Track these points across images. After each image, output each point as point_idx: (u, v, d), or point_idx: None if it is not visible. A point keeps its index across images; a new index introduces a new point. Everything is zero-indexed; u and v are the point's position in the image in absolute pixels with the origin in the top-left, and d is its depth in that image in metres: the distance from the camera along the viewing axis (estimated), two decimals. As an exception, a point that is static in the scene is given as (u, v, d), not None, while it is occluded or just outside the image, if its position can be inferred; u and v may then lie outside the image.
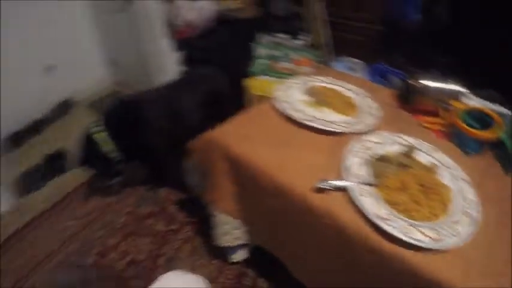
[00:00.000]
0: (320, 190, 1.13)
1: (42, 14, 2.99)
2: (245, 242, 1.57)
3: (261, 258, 1.65)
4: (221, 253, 1.75)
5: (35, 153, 2.91)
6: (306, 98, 1.55)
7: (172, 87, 2.11)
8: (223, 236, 1.52)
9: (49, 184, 2.59)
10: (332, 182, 1.14)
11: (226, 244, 1.54)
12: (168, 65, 2.83)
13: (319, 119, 1.41)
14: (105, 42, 3.54)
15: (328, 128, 1.36)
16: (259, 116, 1.49)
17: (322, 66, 2.50)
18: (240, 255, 1.69)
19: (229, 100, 2.06)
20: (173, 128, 1.95)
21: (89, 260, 1.92)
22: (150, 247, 1.93)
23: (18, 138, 3.18)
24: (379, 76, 2.38)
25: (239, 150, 1.32)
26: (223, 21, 2.52)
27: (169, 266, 1.82)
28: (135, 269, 1.83)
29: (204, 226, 1.93)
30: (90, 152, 1.93)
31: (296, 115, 1.43)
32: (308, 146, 1.31)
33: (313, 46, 2.56)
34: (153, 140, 1.93)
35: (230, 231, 1.49)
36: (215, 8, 2.49)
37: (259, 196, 1.30)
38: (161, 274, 1.71)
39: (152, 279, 1.78)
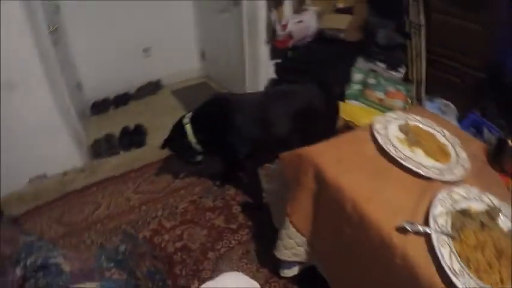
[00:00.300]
0: (402, 230, 1.08)
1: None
2: (302, 261, 1.53)
3: (309, 279, 1.57)
4: (271, 264, 1.68)
5: (117, 122, 3.09)
6: (400, 134, 1.49)
7: (268, 95, 2.15)
8: (284, 249, 1.47)
9: (123, 154, 2.73)
10: (418, 226, 1.08)
11: (284, 258, 1.50)
12: (261, 70, 2.87)
13: (412, 159, 1.35)
14: (201, 37, 3.71)
15: (420, 171, 1.29)
16: (355, 143, 1.45)
17: (415, 103, 2.39)
18: (291, 272, 1.63)
19: (321, 119, 2.02)
20: (258, 133, 1.96)
21: (142, 234, 1.95)
22: (205, 239, 1.91)
23: (105, 106, 3.43)
24: (471, 125, 2.24)
25: (330, 172, 1.29)
26: (323, 39, 2.50)
27: (217, 262, 1.79)
28: (184, 256, 1.81)
29: (262, 233, 1.89)
30: (176, 138, 2.05)
31: (392, 151, 1.38)
32: (398, 184, 1.25)
33: (408, 80, 2.47)
34: (236, 141, 1.96)
35: (294, 246, 1.45)
36: (318, 24, 2.49)
37: (338, 222, 1.25)
38: (209, 268, 1.75)
39: (199, 270, 1.76)
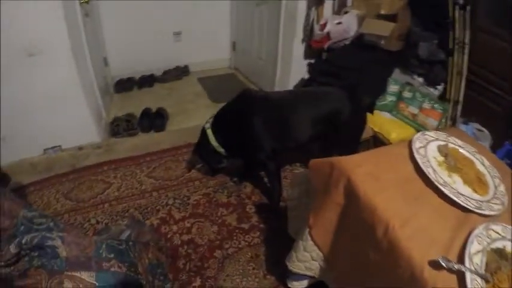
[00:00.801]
0: (436, 265, 0.97)
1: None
2: (315, 276, 1.43)
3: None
4: (279, 272, 1.59)
5: (139, 103, 3.04)
6: (438, 156, 1.37)
7: (295, 95, 2.05)
8: (297, 261, 1.37)
9: (141, 135, 2.67)
10: (453, 264, 0.98)
11: (296, 270, 1.40)
12: (293, 68, 2.76)
13: (450, 186, 1.23)
14: (235, 27, 3.62)
15: (459, 201, 1.17)
16: (392, 159, 1.33)
17: (448, 124, 2.25)
18: (300, 285, 1.53)
19: (346, 128, 1.90)
20: (279, 134, 1.87)
21: (150, 221, 1.88)
22: (213, 236, 1.81)
23: (129, 85, 3.38)
24: (506, 156, 2.09)
25: (364, 188, 1.17)
26: (362, 44, 2.37)
27: (224, 262, 1.69)
28: (190, 251, 1.72)
29: (274, 238, 1.79)
30: (202, 144, 2.01)
31: (431, 174, 1.25)
32: (434, 211, 1.14)
33: (444, 99, 2.32)
34: (255, 141, 1.86)
35: (308, 260, 1.34)
36: (358, 28, 2.36)
37: (364, 244, 1.14)
38: (213, 267, 1.63)
39: (203, 268, 1.63)
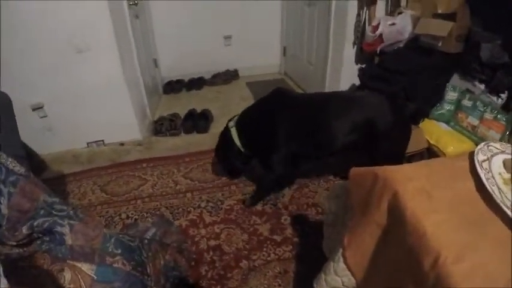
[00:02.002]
0: None
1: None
2: (342, 301, 1.24)
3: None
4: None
5: (186, 104, 3.05)
6: (504, 172, 1.12)
7: (327, 98, 1.87)
8: (326, 285, 1.21)
9: (183, 136, 2.66)
10: None
11: (324, 294, 1.24)
12: (343, 73, 2.60)
13: None
14: (285, 32, 3.54)
15: None
16: (449, 173, 1.10)
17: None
18: (327, 312, 1.37)
19: (386, 137, 1.71)
20: (302, 138, 1.74)
21: (179, 222, 1.82)
22: (242, 245, 1.70)
23: (178, 86, 3.43)
24: None
25: (414, 208, 0.96)
26: (417, 47, 2.15)
27: (248, 274, 1.57)
28: (215, 257, 1.62)
29: (307, 254, 1.63)
30: (223, 143, 1.95)
31: (496, 193, 1.02)
32: (496, 240, 0.89)
33: (508, 109, 2.02)
34: (273, 140, 1.75)
35: (338, 286, 1.18)
36: (413, 29, 2.15)
37: (406, 276, 0.93)
38: (237, 278, 1.51)
39: (226, 277, 1.53)
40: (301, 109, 1.76)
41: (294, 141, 1.73)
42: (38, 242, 0.97)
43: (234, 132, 1.85)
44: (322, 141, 1.75)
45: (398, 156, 1.80)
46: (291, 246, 1.71)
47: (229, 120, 1.91)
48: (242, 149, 1.86)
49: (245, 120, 1.86)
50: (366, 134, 1.68)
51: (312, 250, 1.61)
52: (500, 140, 1.91)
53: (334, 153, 1.81)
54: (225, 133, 1.91)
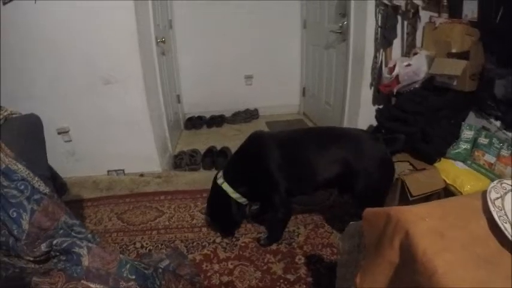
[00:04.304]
0: None
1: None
2: None
3: None
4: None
5: (206, 141, 3.13)
6: None
7: (308, 134, 1.95)
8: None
9: (202, 172, 2.70)
10: None
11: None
12: (361, 114, 2.63)
13: None
14: (305, 73, 3.64)
15: None
16: (462, 213, 1.09)
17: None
18: None
19: (366, 173, 1.71)
20: (293, 176, 1.76)
21: (193, 256, 1.81)
22: (255, 283, 1.67)
23: (199, 123, 3.53)
24: None
25: (425, 247, 0.95)
26: (432, 87, 2.18)
27: (260, 314, 1.55)
28: (227, 294, 1.64)
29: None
30: (219, 201, 1.90)
31: (508, 230, 1.00)
32: (508, 277, 0.88)
33: None
34: (271, 181, 1.76)
35: (352, 325, 1.15)
36: (428, 69, 2.19)
37: None
38: None
39: None
40: (286, 147, 1.79)
41: (285, 178, 1.75)
42: (55, 260, 1.01)
43: (226, 186, 1.84)
44: (304, 177, 1.78)
45: (378, 194, 1.79)
46: (304, 286, 1.67)
47: (215, 179, 1.90)
48: (240, 200, 1.85)
49: (235, 171, 1.86)
50: (343, 171, 1.70)
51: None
52: (518, 176, 1.86)
53: (317, 189, 1.86)
54: (216, 191, 1.89)
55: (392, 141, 1.82)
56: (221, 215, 1.94)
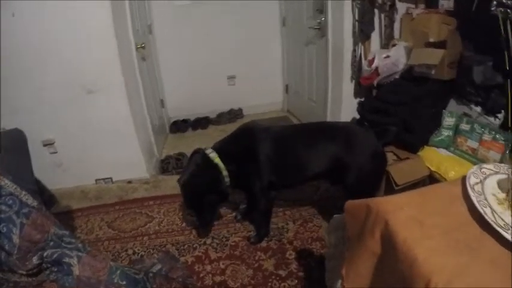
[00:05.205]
0: None
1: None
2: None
3: None
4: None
5: (192, 143, 3.07)
6: (498, 193, 1.13)
7: (297, 128, 2.00)
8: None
9: (188, 174, 2.72)
10: None
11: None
12: (343, 108, 2.67)
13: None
14: (287, 70, 3.68)
15: None
16: (442, 200, 1.13)
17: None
18: None
19: (357, 166, 1.73)
20: (278, 168, 1.78)
21: (185, 259, 1.83)
22: (247, 280, 1.69)
23: (184, 126, 3.52)
24: None
25: (404, 236, 0.98)
26: (412, 77, 2.22)
27: (253, 310, 1.57)
28: (220, 294, 1.65)
29: (311, 288, 1.62)
30: (201, 175, 1.81)
31: (489, 214, 1.03)
32: (489, 261, 0.90)
33: (507, 128, 2.02)
34: (255, 171, 1.78)
35: (341, 317, 1.17)
36: (407, 60, 2.23)
37: None
38: None
39: None
40: (277, 140, 1.80)
41: (272, 171, 1.77)
42: (47, 272, 1.02)
43: (219, 162, 1.77)
44: (295, 170, 1.81)
45: (370, 186, 1.82)
46: (296, 281, 1.70)
47: (198, 151, 1.87)
48: (226, 180, 1.79)
49: (229, 150, 1.83)
50: (335, 164, 1.73)
51: (316, 284, 1.60)
52: (501, 159, 1.91)
53: (308, 181, 1.90)
54: (205, 166, 1.79)
55: (384, 133, 1.84)
56: (205, 196, 1.81)
